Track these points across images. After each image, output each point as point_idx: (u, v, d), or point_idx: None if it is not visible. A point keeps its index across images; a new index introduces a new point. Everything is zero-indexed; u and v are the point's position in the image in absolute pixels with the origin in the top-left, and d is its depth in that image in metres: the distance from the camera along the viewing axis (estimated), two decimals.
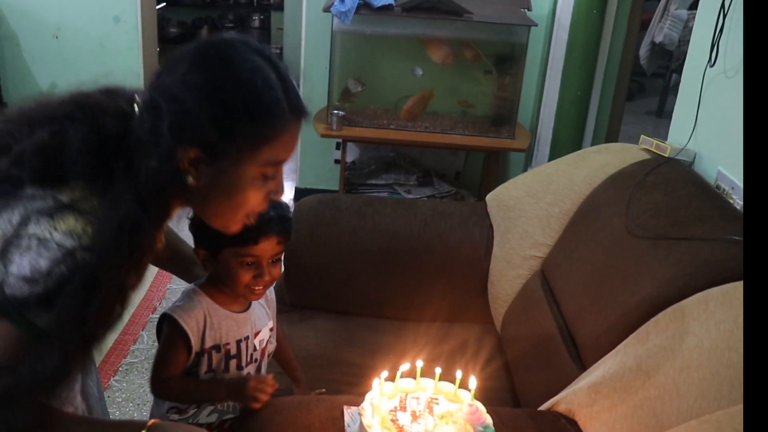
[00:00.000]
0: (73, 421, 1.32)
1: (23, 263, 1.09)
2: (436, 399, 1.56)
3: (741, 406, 1.31)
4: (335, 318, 2.47)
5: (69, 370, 1.20)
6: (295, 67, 4.55)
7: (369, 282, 2.52)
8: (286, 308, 2.52)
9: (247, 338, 1.72)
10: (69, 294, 1.11)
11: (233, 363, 1.71)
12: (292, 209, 2.68)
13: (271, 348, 1.84)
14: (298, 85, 4.41)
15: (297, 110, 1.24)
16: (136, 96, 1.21)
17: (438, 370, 1.61)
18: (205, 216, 1.27)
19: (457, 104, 4.19)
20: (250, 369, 1.76)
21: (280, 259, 1.67)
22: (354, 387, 2.04)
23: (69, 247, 1.10)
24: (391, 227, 2.54)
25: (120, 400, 2.82)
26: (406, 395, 1.56)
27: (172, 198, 1.22)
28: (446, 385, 1.60)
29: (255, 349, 1.76)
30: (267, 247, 1.60)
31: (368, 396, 1.52)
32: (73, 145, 1.15)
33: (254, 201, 1.24)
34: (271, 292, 1.85)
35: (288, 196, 4.83)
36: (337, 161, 4.42)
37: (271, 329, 1.82)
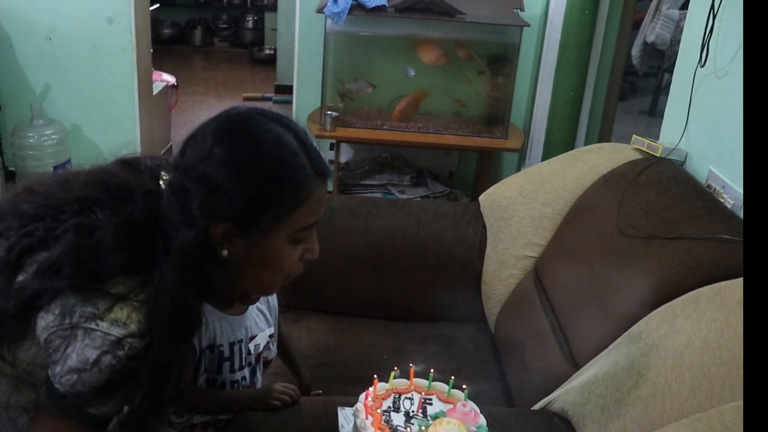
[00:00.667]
0: None
1: (71, 355, 1.11)
2: (430, 399, 1.56)
3: (732, 404, 1.32)
4: (329, 318, 2.48)
5: None
6: (288, 68, 4.56)
7: (362, 282, 2.52)
8: (279, 309, 2.52)
9: (240, 341, 1.71)
10: (125, 383, 1.14)
11: (226, 365, 1.70)
12: None
13: (269, 354, 1.84)
14: (292, 84, 4.41)
15: (321, 172, 1.26)
16: (163, 174, 1.22)
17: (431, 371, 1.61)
18: (244, 286, 1.29)
19: (454, 102, 4.19)
20: (244, 373, 1.75)
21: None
22: (348, 388, 2.05)
23: (117, 336, 1.11)
24: (385, 228, 2.55)
25: None
26: (400, 396, 1.56)
27: (210, 274, 1.23)
28: (439, 386, 1.60)
29: (249, 353, 1.75)
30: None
31: (362, 397, 1.53)
32: (107, 243, 1.15)
33: (290, 265, 1.27)
34: (274, 299, 1.86)
35: None
36: (330, 162, 4.43)
37: (270, 336, 1.81)
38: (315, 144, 1.29)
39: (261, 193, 1.18)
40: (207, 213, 1.16)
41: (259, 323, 1.78)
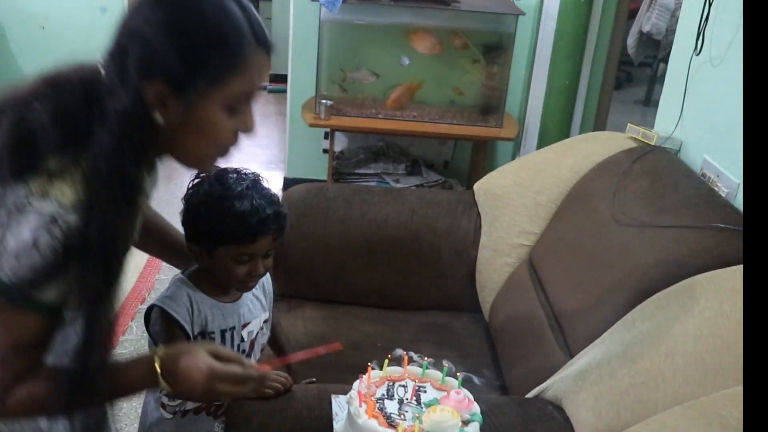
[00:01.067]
0: None
1: (9, 241, 1.10)
2: (424, 387, 1.56)
3: (724, 392, 1.33)
4: (323, 307, 2.48)
5: (99, 335, 1.20)
6: (283, 57, 4.55)
7: (357, 271, 2.52)
8: (274, 297, 2.52)
9: (233, 329, 1.72)
10: (68, 261, 1.12)
11: None
12: (280, 199, 2.68)
13: (263, 339, 1.85)
14: (287, 73, 4.41)
15: (262, 41, 1.21)
16: (103, 54, 1.21)
17: (426, 360, 1.61)
18: (179, 155, 1.25)
19: (450, 91, 4.18)
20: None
21: (272, 253, 1.68)
22: (342, 376, 2.05)
23: (50, 212, 1.10)
24: (379, 216, 2.55)
25: None
26: (394, 383, 1.56)
27: (146, 141, 1.20)
28: (434, 373, 1.60)
29: (242, 340, 1.76)
30: (263, 244, 1.62)
31: (355, 385, 1.53)
32: (44, 121, 1.14)
33: (225, 136, 1.23)
34: (269, 284, 1.87)
35: (277, 185, 4.82)
36: (325, 151, 4.42)
37: (265, 321, 1.82)
38: (259, 17, 1.25)
39: (197, 53, 1.15)
40: (142, 71, 1.14)
41: (254, 309, 1.79)
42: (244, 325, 1.75)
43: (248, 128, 1.26)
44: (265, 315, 1.82)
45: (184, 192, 1.67)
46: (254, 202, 1.60)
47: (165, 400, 1.73)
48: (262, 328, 1.81)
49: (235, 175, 1.65)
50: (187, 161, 1.27)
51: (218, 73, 1.17)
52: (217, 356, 1.34)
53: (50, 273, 1.12)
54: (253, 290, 1.78)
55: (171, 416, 1.76)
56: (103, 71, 1.19)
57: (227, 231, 1.58)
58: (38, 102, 1.17)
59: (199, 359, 1.32)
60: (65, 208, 1.11)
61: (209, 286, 1.69)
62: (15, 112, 1.17)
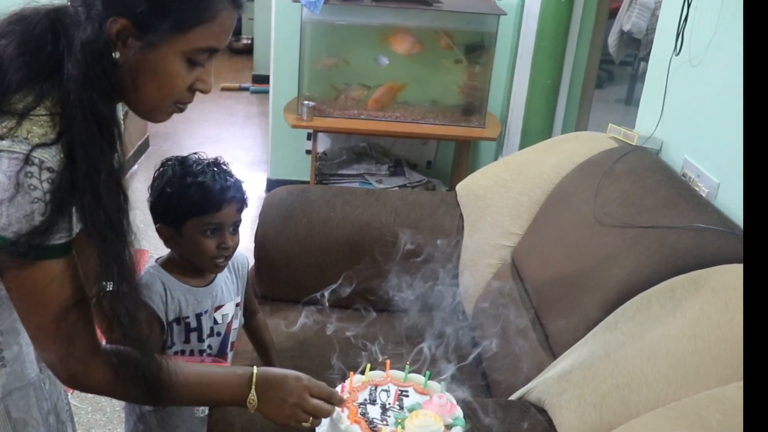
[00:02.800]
0: (181, 372, 1.31)
1: None
2: (406, 391, 1.56)
3: (705, 393, 1.33)
4: (306, 309, 2.46)
5: (119, 265, 1.19)
6: (265, 58, 4.54)
7: (340, 273, 2.51)
8: (256, 300, 2.51)
9: (206, 312, 1.78)
10: (61, 199, 1.10)
11: (194, 335, 1.77)
12: (262, 201, 2.67)
13: (236, 324, 1.90)
14: (269, 74, 4.40)
15: None
16: None
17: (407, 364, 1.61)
18: (132, 101, 1.23)
19: (434, 90, 4.19)
20: (212, 342, 1.82)
21: (238, 228, 1.77)
22: (325, 379, 2.04)
23: (21, 151, 1.07)
24: (362, 218, 2.54)
25: (91, 395, 2.80)
26: (376, 388, 1.56)
27: (109, 75, 1.17)
28: (416, 377, 1.60)
29: (216, 323, 1.81)
30: (228, 213, 1.70)
31: (338, 389, 1.52)
32: (9, 53, 1.13)
33: (180, 87, 1.21)
34: (243, 267, 1.92)
35: (260, 187, 4.81)
36: (308, 152, 4.41)
37: (237, 305, 1.88)
38: None
39: None
40: (109, 4, 1.12)
41: (227, 292, 1.84)
42: (218, 308, 1.81)
43: (206, 87, 1.24)
44: (238, 299, 1.88)
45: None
46: (215, 174, 1.70)
47: None
48: (235, 312, 1.87)
49: (195, 157, 1.74)
50: (139, 108, 1.24)
51: (185, 20, 1.15)
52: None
53: (48, 218, 1.10)
54: (227, 273, 1.84)
55: (152, 409, 1.77)
56: (69, 2, 1.17)
57: (192, 202, 1.66)
58: (4, 38, 1.15)
59: (295, 374, 1.38)
60: (36, 147, 1.08)
61: (182, 271, 1.75)
62: None
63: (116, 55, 1.15)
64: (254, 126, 5.96)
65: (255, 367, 1.35)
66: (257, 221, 2.56)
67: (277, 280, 2.52)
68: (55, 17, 1.16)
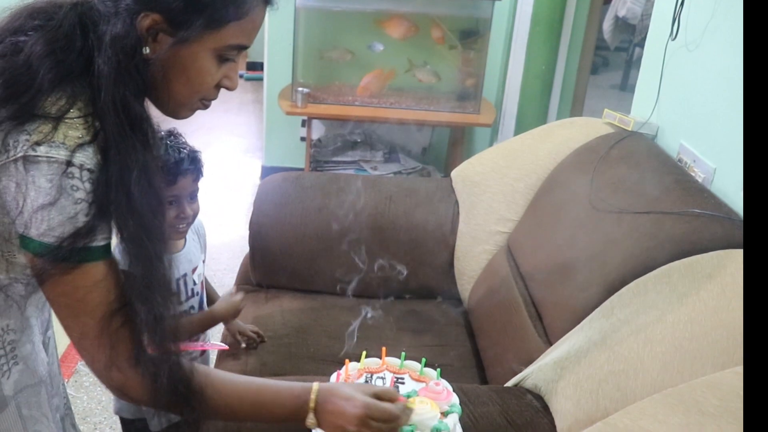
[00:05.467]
0: (231, 380, 1.31)
1: (31, 199, 1.06)
2: (402, 379, 1.55)
3: (702, 379, 1.33)
4: (301, 297, 2.46)
5: (153, 269, 1.17)
6: (259, 45, 4.51)
7: (334, 260, 2.51)
8: (251, 288, 2.51)
9: (185, 276, 1.85)
10: (101, 201, 1.08)
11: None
12: (257, 188, 2.66)
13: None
14: (263, 61, 4.39)
15: None
16: None
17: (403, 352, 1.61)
18: (159, 98, 1.21)
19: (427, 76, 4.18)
20: (193, 302, 1.90)
21: (197, 196, 1.81)
22: (321, 367, 2.04)
23: (61, 157, 1.05)
24: (357, 205, 2.53)
25: (87, 384, 2.80)
26: (372, 375, 1.55)
27: (140, 71, 1.16)
28: (412, 364, 1.59)
29: (194, 284, 1.89)
30: (184, 184, 1.75)
31: (333, 377, 1.52)
32: (37, 52, 1.10)
33: (208, 84, 1.20)
34: (201, 227, 2.01)
35: (254, 174, 4.80)
36: (303, 139, 4.40)
37: (203, 261, 1.98)
38: None
39: None
40: (142, 0, 1.11)
41: (196, 252, 1.93)
42: (194, 270, 1.89)
43: (232, 84, 1.24)
44: (203, 255, 1.99)
45: None
46: (168, 147, 1.73)
47: None
48: (203, 268, 1.97)
49: None
50: (166, 106, 1.22)
51: (219, 17, 1.14)
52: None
53: (91, 219, 1.08)
54: (192, 235, 1.92)
55: None
56: None
57: None
58: (28, 35, 1.12)
59: (355, 395, 1.32)
60: (75, 151, 1.06)
61: None
62: (3, 47, 1.12)
63: (146, 50, 1.13)
64: (248, 113, 5.94)
65: (315, 385, 1.33)
66: (252, 208, 2.56)
67: (271, 267, 2.51)
68: (81, 11, 1.14)
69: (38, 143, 1.05)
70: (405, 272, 2.49)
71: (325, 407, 1.31)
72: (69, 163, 1.05)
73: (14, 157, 1.05)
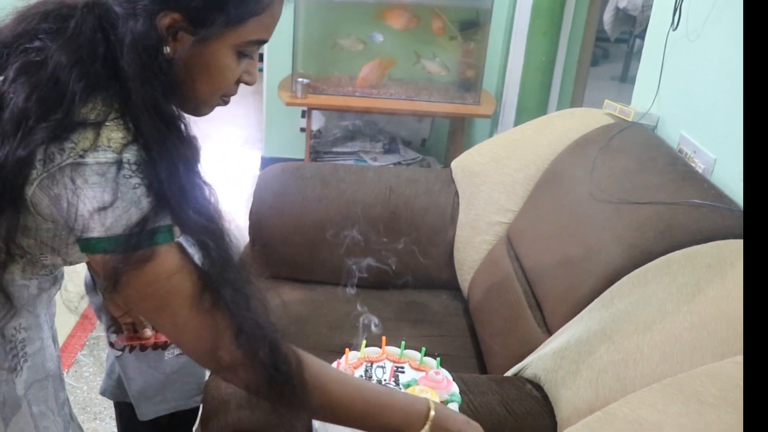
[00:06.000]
0: (338, 375, 1.28)
1: (84, 201, 1.03)
2: (402, 368, 1.56)
3: (701, 368, 1.33)
4: (301, 287, 2.47)
5: (230, 248, 1.15)
6: None
7: (334, 250, 2.51)
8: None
9: None
10: (156, 190, 1.06)
11: None
12: (257, 179, 2.66)
13: None
14: (262, 52, 4.38)
15: None
16: None
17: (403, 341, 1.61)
18: (180, 97, 1.19)
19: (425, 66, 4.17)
20: None
21: None
22: (321, 356, 2.04)
23: (110, 159, 1.03)
24: (356, 195, 2.53)
25: (88, 374, 2.80)
26: (372, 364, 1.56)
27: (164, 71, 1.13)
28: (412, 354, 1.60)
29: None
30: None
31: (333, 365, 1.52)
32: (63, 63, 1.07)
33: (229, 80, 1.19)
34: None
35: (254, 165, 4.80)
36: (302, 129, 4.39)
37: None
38: None
39: None
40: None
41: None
42: None
43: (252, 79, 1.23)
44: None
45: None
46: None
47: (112, 338, 1.71)
48: None
49: None
50: (187, 105, 1.21)
51: (240, 14, 1.12)
52: None
53: (153, 201, 1.05)
54: None
55: (120, 353, 1.75)
56: None
57: None
58: (43, 39, 1.10)
59: (471, 421, 1.30)
60: (122, 151, 1.04)
61: None
62: (20, 57, 1.09)
63: (167, 50, 1.11)
64: (248, 104, 5.93)
65: (431, 401, 1.28)
66: (252, 199, 2.55)
67: (271, 258, 2.51)
68: (99, 14, 1.11)
69: (85, 150, 1.03)
70: (405, 262, 2.50)
71: (440, 423, 1.26)
72: (117, 162, 1.04)
73: (60, 165, 1.03)
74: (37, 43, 1.10)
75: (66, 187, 1.03)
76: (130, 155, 1.05)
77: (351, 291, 2.23)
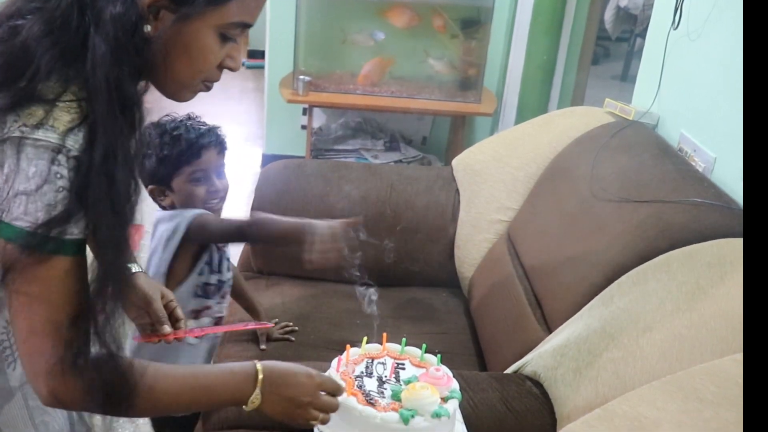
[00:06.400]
0: (165, 374, 1.24)
1: (16, 182, 1.02)
2: (402, 364, 1.56)
3: (700, 366, 1.34)
4: (302, 284, 2.47)
5: (120, 261, 1.14)
6: (261, 33, 4.52)
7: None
8: (252, 275, 2.52)
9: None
10: (81, 189, 1.05)
11: (225, 264, 1.92)
12: (258, 176, 2.67)
13: None
14: (264, 49, 4.39)
15: None
16: None
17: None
18: (160, 78, 1.18)
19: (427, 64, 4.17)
20: (228, 276, 1.94)
21: (224, 173, 1.86)
22: (322, 353, 2.05)
23: (51, 141, 1.03)
24: (358, 192, 2.54)
25: None
26: (373, 361, 1.56)
27: (139, 52, 1.12)
28: (412, 350, 1.60)
29: (229, 260, 1.95)
30: (210, 157, 1.80)
31: (333, 363, 1.52)
32: (36, 31, 1.06)
33: (211, 63, 1.17)
34: None
35: (255, 162, 4.80)
36: (303, 127, 4.40)
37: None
38: None
39: None
40: None
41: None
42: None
43: (235, 64, 1.21)
44: None
45: None
46: (188, 126, 1.80)
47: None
48: None
49: (168, 118, 1.82)
50: (167, 86, 1.20)
51: None
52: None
53: (69, 207, 1.04)
54: None
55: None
56: None
57: (173, 155, 1.76)
58: (26, 17, 1.09)
59: (306, 371, 1.32)
60: (64, 135, 1.03)
61: None
62: (1, 31, 1.09)
63: (147, 28, 1.10)
64: (249, 101, 5.93)
65: (257, 362, 1.28)
66: (254, 195, 2.56)
67: (272, 255, 2.52)
68: None
69: (26, 125, 1.03)
70: (405, 260, 2.51)
71: (272, 380, 1.28)
72: (56, 149, 1.03)
73: (8, 135, 1.03)
74: (21, 21, 1.09)
75: (6, 159, 1.03)
76: (72, 142, 1.04)
77: (360, 289, 2.24)
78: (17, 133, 1.02)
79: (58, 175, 1.04)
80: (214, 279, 1.87)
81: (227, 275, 1.91)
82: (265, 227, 1.83)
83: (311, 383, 1.31)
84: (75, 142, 1.05)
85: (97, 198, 1.07)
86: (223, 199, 1.87)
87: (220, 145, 1.84)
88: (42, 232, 1.04)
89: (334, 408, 1.35)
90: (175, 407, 1.30)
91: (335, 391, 1.35)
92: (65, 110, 1.05)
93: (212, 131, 1.82)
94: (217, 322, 1.90)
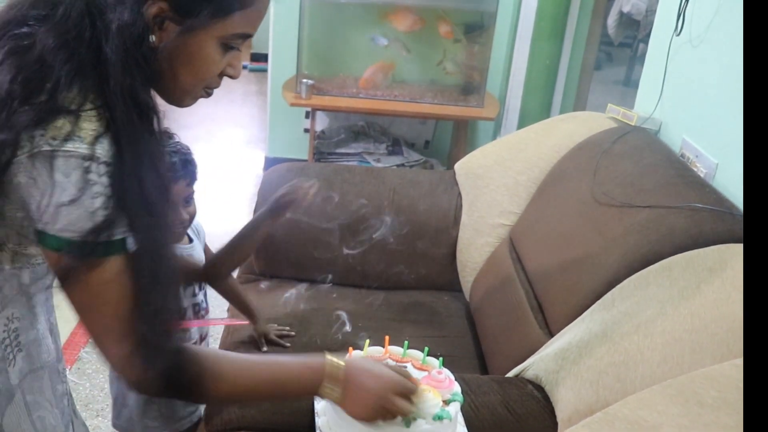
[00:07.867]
0: (241, 366, 1.31)
1: (54, 195, 1.05)
2: (405, 367, 1.57)
3: (701, 371, 1.34)
4: (304, 286, 2.47)
5: (168, 257, 1.19)
6: (264, 36, 4.52)
7: (338, 251, 2.52)
8: (254, 277, 2.52)
9: None
10: (118, 193, 1.08)
11: (189, 290, 1.90)
12: (261, 179, 2.67)
13: None
14: (267, 52, 4.39)
15: None
16: None
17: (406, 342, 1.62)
18: (163, 87, 1.20)
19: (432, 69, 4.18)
20: (201, 297, 1.94)
21: (192, 200, 1.82)
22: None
23: (81, 151, 1.04)
24: (360, 196, 2.54)
25: (90, 371, 2.81)
26: None
27: (147, 60, 1.14)
28: (414, 353, 1.61)
29: None
30: (177, 190, 1.73)
31: None
32: (50, 46, 1.08)
33: (213, 71, 1.20)
34: (201, 229, 2.03)
35: (258, 165, 4.81)
36: (306, 130, 4.41)
37: (204, 250, 2.00)
38: None
39: None
40: None
41: (199, 249, 1.96)
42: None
43: (236, 72, 1.24)
44: (201, 245, 2.01)
45: None
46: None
47: None
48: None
49: None
50: (170, 94, 1.22)
51: (226, 7, 1.14)
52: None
53: (110, 211, 1.07)
54: (193, 234, 1.94)
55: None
56: None
57: None
58: (32, 24, 1.11)
59: (376, 365, 1.36)
60: (92, 144, 1.06)
61: None
62: (9, 42, 1.10)
63: (152, 39, 1.13)
64: (252, 104, 5.95)
65: (342, 362, 1.34)
66: (256, 197, 2.57)
67: (274, 257, 2.52)
68: (87, 0, 1.12)
69: (55, 139, 1.04)
70: (407, 264, 2.51)
71: (346, 373, 1.33)
72: (87, 157, 1.05)
73: (30, 153, 1.04)
74: (25, 29, 1.11)
75: (31, 176, 1.05)
76: (101, 150, 1.06)
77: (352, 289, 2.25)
78: (47, 147, 1.04)
79: (92, 182, 1.06)
80: (187, 303, 1.89)
81: (200, 296, 1.93)
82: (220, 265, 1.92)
83: (386, 386, 1.35)
84: (103, 149, 1.07)
85: (133, 200, 1.10)
86: (186, 227, 1.85)
87: (190, 176, 1.78)
88: (91, 240, 1.07)
89: (407, 413, 1.37)
90: (252, 395, 1.36)
91: (410, 393, 1.38)
92: (88, 120, 1.07)
93: (185, 161, 1.76)
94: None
